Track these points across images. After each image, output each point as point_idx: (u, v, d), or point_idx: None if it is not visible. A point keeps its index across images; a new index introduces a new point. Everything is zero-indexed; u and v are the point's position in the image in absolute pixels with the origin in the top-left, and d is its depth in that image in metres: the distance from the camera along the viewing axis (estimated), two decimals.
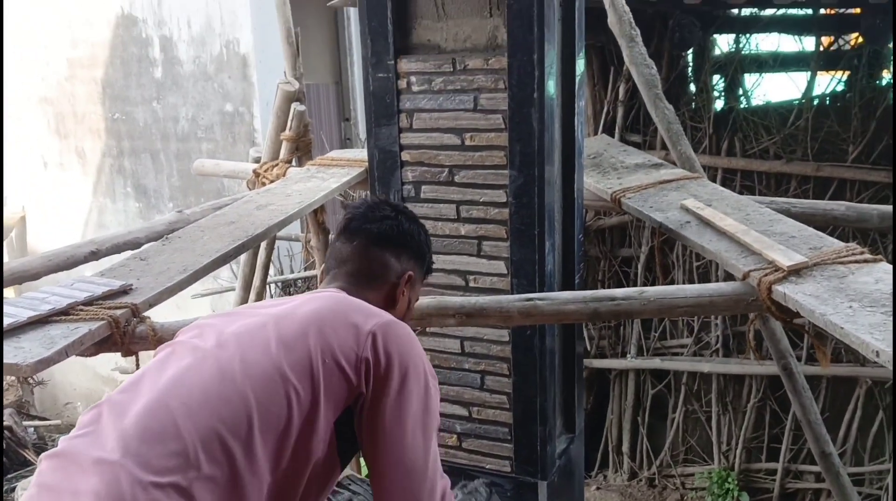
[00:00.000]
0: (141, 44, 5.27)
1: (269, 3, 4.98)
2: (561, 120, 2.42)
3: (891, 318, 1.76)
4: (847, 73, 3.96)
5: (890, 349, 1.63)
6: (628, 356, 4.46)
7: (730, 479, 4.25)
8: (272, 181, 3.40)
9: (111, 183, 5.66)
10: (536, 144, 2.22)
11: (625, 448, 4.57)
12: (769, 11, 3.92)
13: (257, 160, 3.71)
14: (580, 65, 2.48)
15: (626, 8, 2.92)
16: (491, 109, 2.26)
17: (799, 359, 3.72)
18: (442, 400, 2.51)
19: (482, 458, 2.50)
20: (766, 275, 2.01)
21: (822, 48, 4.02)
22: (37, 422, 5.62)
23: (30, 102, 5.84)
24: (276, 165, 3.52)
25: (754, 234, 2.24)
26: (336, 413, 1.37)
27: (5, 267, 2.62)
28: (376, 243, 1.66)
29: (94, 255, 2.76)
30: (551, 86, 2.27)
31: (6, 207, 6.06)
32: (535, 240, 2.27)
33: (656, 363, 4.39)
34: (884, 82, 3.97)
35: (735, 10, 3.96)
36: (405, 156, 2.38)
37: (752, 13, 4.04)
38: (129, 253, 2.81)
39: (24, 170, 6.01)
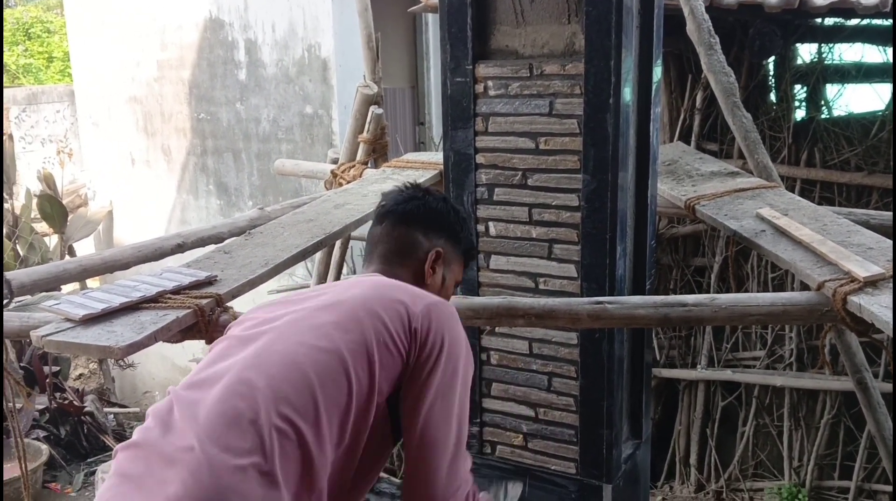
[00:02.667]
0: (227, 47, 5.45)
1: (350, 9, 5.10)
2: (636, 126, 2.43)
3: None
4: None
5: None
6: (699, 366, 4.41)
7: (800, 496, 4.16)
8: (349, 182, 3.50)
9: (194, 181, 5.87)
10: (611, 150, 2.24)
11: (692, 459, 4.52)
12: (853, 21, 3.84)
13: (335, 161, 3.83)
14: (657, 72, 2.49)
15: (706, 16, 2.92)
16: (566, 114, 2.29)
17: (875, 376, 3.63)
18: (508, 400, 2.56)
19: (547, 459, 2.53)
20: (841, 285, 1.99)
21: None
22: (116, 409, 5.85)
23: (120, 101, 6.10)
24: (353, 166, 3.62)
25: (831, 244, 2.22)
26: (389, 390, 1.44)
27: (99, 256, 2.77)
28: (403, 222, 1.72)
29: (181, 247, 2.90)
30: (627, 92, 2.29)
31: (96, 201, 6.34)
32: (606, 244, 2.29)
33: (727, 374, 4.33)
34: None
35: (818, 20, 3.89)
36: (479, 159, 2.43)
37: (835, 22, 3.96)
38: (212, 247, 2.94)
39: (112, 166, 6.27)
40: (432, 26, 5.83)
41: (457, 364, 1.48)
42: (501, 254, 2.46)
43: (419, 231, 1.72)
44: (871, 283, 1.99)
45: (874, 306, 1.88)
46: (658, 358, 4.46)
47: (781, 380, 4.19)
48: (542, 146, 2.34)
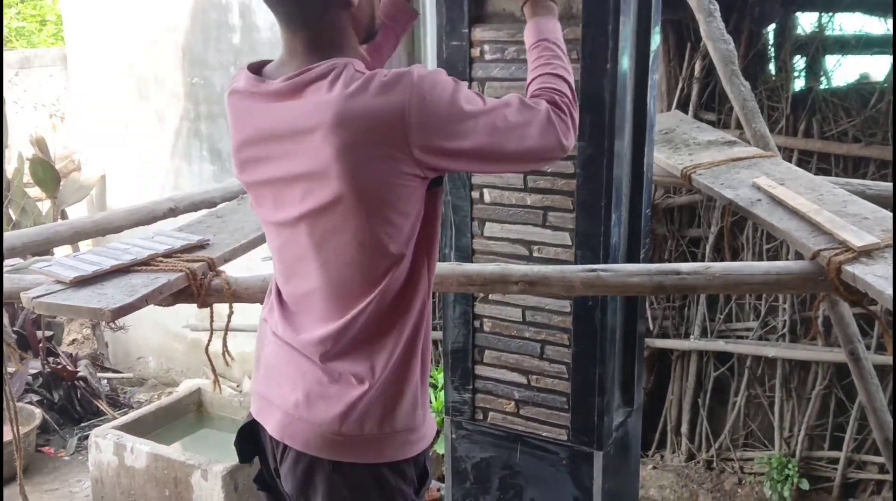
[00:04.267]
0: (221, 10, 5.38)
1: None
2: (633, 94, 2.41)
3: None
4: None
5: None
6: (691, 337, 4.42)
7: (790, 466, 4.20)
8: None
9: (188, 146, 5.81)
10: (607, 117, 2.22)
11: (684, 429, 4.55)
12: None
13: None
14: (655, 39, 2.47)
15: None
16: None
17: (868, 348, 3.64)
18: (501, 367, 2.56)
19: (539, 425, 2.53)
20: (836, 255, 1.99)
21: None
22: (110, 374, 5.86)
23: (114, 66, 6.02)
24: None
25: (826, 214, 2.21)
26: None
27: (91, 219, 2.75)
28: None
29: (173, 212, 2.88)
30: (625, 58, 2.26)
31: (89, 167, 6.28)
32: (601, 212, 2.28)
33: (720, 345, 4.34)
34: None
35: None
36: None
37: None
38: (205, 211, 2.92)
39: (106, 131, 6.21)
40: None
41: (456, 116, 1.41)
42: (496, 221, 2.45)
43: None
44: (866, 252, 1.99)
45: (868, 275, 1.88)
46: (651, 328, 4.47)
47: (774, 351, 4.21)
48: None
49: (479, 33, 2.36)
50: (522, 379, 2.53)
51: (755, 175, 2.59)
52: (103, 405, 5.19)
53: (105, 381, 5.62)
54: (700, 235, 4.32)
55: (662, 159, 2.78)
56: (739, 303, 4.36)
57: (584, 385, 2.42)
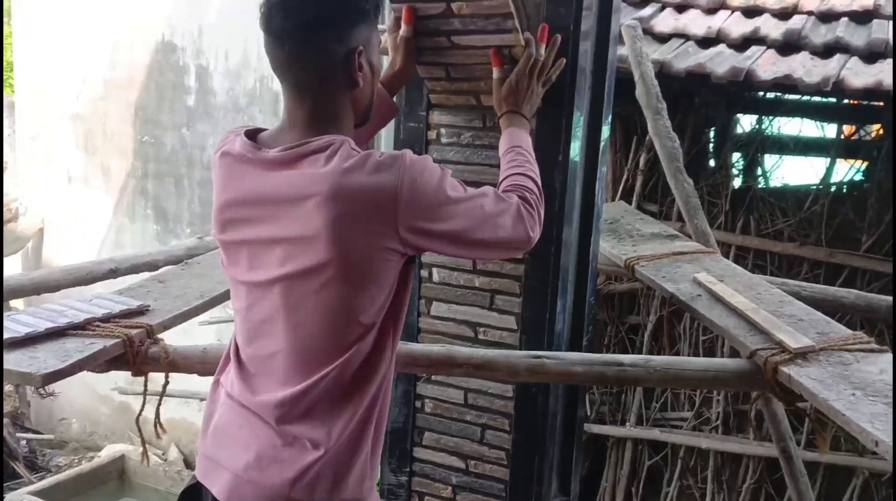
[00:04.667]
0: (178, 71, 5.40)
1: None
2: (582, 183, 2.46)
3: (891, 409, 1.78)
4: (866, 163, 4.01)
5: (889, 440, 1.65)
6: (627, 424, 4.45)
7: None
8: None
9: (132, 203, 5.74)
10: (557, 205, 2.27)
11: None
12: (794, 96, 4.00)
13: None
14: (605, 131, 2.54)
15: (655, 81, 3.01)
16: None
17: (798, 443, 3.70)
18: (440, 451, 2.53)
19: None
20: (772, 355, 2.03)
21: (843, 136, 4.09)
22: (31, 435, 5.62)
23: (62, 117, 5.96)
24: None
25: (764, 313, 2.27)
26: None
27: (27, 277, 2.67)
28: (309, 36, 1.48)
29: (113, 273, 2.83)
30: (576, 149, 2.32)
31: (27, 218, 6.14)
32: (547, 299, 2.30)
33: (655, 434, 4.38)
34: None
35: (761, 93, 4.05)
36: None
37: (776, 96, 4.12)
38: (146, 274, 2.87)
39: (47, 184, 6.11)
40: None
41: (434, 176, 1.49)
42: (443, 301, 2.45)
43: (330, 39, 1.49)
44: (801, 354, 2.04)
45: (804, 378, 1.93)
46: (589, 413, 4.49)
47: (707, 442, 4.26)
48: None
49: (436, 117, 2.40)
50: (461, 464, 2.50)
51: (696, 270, 2.66)
52: (20, 468, 4.96)
53: (24, 442, 5.39)
54: (640, 322, 4.39)
55: (607, 249, 2.84)
56: (675, 393, 4.42)
57: (523, 473, 2.40)
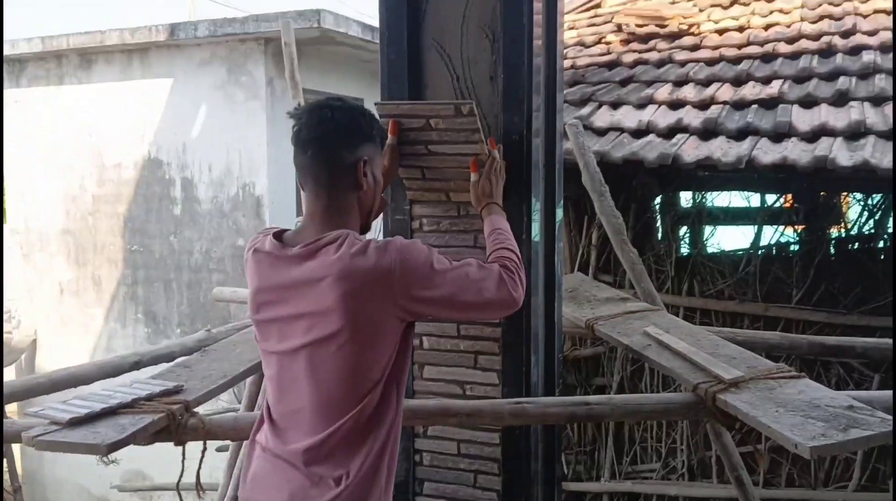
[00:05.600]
0: (164, 184, 5.84)
1: (283, 151, 5.60)
2: (544, 258, 2.92)
3: (807, 419, 2.21)
4: (788, 227, 4.56)
5: (806, 442, 2.06)
6: (602, 479, 4.80)
7: None
8: None
9: (123, 309, 6.07)
10: (525, 277, 2.71)
11: None
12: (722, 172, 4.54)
13: None
14: (559, 213, 3.01)
15: (597, 169, 3.51)
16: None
17: (756, 484, 4.10)
18: (439, 498, 2.89)
19: None
20: (711, 386, 2.46)
21: (767, 205, 4.65)
22: None
23: (53, 233, 6.32)
24: None
25: (702, 355, 2.71)
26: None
27: (67, 371, 3.02)
28: (324, 146, 1.89)
29: (137, 365, 3.19)
30: (536, 229, 2.78)
31: (20, 330, 6.42)
32: (522, 355, 2.71)
33: (628, 485, 4.74)
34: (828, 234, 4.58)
35: (694, 171, 4.59)
36: None
37: (708, 173, 4.67)
38: (165, 364, 3.25)
39: (40, 295, 6.41)
40: None
41: (421, 256, 1.87)
42: (433, 365, 2.85)
43: (342, 149, 1.90)
44: (734, 384, 2.47)
45: (737, 402, 2.35)
46: (566, 473, 4.84)
47: (675, 489, 4.63)
48: None
49: (418, 210, 2.86)
50: None
51: (645, 325, 3.10)
52: None
53: None
54: (605, 383, 4.80)
55: (569, 313, 3.28)
56: (643, 446, 4.81)
57: None
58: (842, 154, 3.61)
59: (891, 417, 2.16)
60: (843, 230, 4.59)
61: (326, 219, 1.91)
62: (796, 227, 4.52)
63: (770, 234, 4.62)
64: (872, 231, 4.43)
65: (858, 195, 4.42)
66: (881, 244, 4.39)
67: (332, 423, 1.86)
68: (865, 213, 4.43)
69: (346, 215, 1.94)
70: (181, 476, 2.64)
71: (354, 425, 1.86)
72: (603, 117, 4.50)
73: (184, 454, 2.59)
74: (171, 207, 5.82)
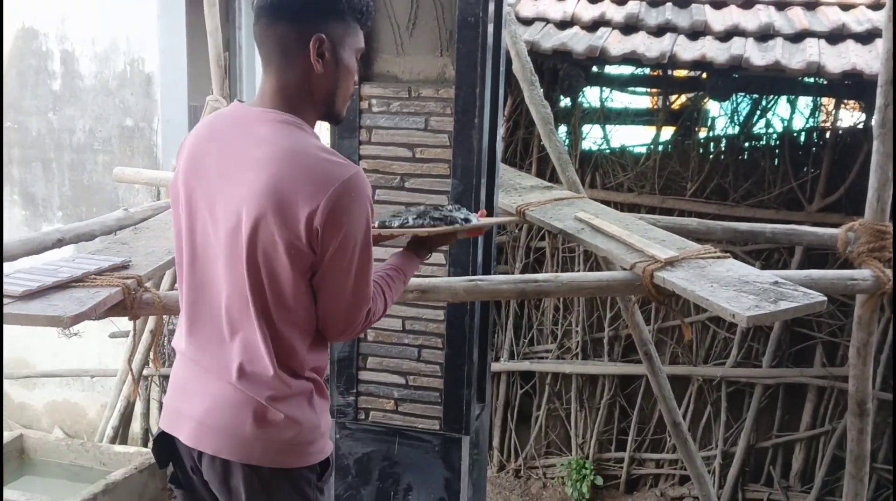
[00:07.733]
0: (40, 56, 5.41)
1: (176, 25, 5.30)
2: (488, 143, 2.99)
3: (740, 293, 2.44)
4: (687, 125, 4.82)
5: (743, 313, 2.29)
6: (501, 359, 5.07)
7: (586, 466, 4.93)
8: None
9: None
10: (475, 159, 2.78)
11: (495, 443, 5.16)
12: (630, 70, 4.72)
13: None
14: (500, 100, 3.08)
15: (528, 58, 3.58)
16: (439, 130, 2.80)
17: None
18: (382, 371, 3.00)
19: (415, 419, 2.99)
20: (648, 265, 2.65)
21: (669, 105, 4.88)
22: None
23: None
24: None
25: (636, 237, 2.90)
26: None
27: None
28: (275, 17, 1.67)
29: (60, 242, 3.05)
30: (486, 113, 2.84)
31: None
32: (469, 240, 2.81)
33: (525, 365, 5.04)
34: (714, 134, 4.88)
35: (606, 69, 4.73)
36: (363, 164, 2.87)
37: (619, 74, 4.83)
38: (98, 240, 3.13)
39: None
40: None
41: (353, 251, 1.65)
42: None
43: (295, 22, 1.67)
44: (669, 263, 2.67)
45: (674, 278, 2.56)
46: None
47: (570, 368, 4.96)
48: (418, 155, 2.83)
49: (367, 90, 2.85)
50: (401, 380, 2.98)
51: (575, 211, 3.26)
52: None
53: None
54: (507, 270, 5.01)
55: (499, 200, 3.39)
56: (540, 329, 5.09)
57: (455, 380, 2.92)
58: (755, 54, 3.84)
59: (815, 292, 2.43)
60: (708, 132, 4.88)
61: (274, 103, 1.70)
62: (694, 126, 4.79)
63: (669, 133, 4.88)
64: (763, 131, 4.76)
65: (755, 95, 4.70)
66: (771, 143, 4.74)
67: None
68: (758, 112, 4.74)
69: (297, 101, 1.71)
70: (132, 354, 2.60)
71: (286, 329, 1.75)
72: (527, 7, 4.54)
73: (134, 328, 2.55)
74: (49, 81, 5.41)
